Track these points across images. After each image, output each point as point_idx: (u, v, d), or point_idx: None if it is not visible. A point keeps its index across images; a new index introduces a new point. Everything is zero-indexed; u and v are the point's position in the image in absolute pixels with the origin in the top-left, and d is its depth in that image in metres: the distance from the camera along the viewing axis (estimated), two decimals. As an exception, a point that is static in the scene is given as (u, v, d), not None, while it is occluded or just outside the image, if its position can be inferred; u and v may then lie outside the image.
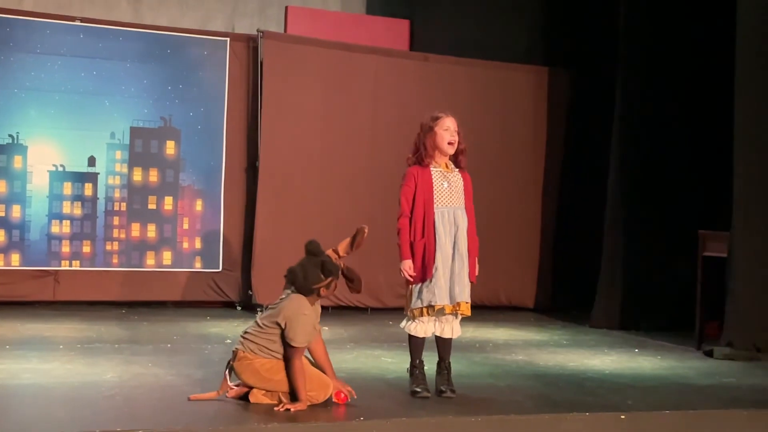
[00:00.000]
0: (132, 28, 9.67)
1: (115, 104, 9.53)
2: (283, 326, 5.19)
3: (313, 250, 5.29)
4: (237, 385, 5.30)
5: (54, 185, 9.32)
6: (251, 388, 5.26)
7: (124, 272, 9.55)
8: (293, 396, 5.17)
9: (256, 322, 5.33)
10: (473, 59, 10.66)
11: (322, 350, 5.43)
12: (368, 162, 10.19)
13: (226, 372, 5.33)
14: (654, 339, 8.63)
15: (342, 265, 5.34)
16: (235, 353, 5.28)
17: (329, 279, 5.21)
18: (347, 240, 5.48)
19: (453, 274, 5.55)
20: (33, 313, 8.83)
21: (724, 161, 8.33)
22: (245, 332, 5.32)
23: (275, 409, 5.06)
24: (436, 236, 5.55)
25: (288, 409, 5.04)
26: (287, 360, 5.18)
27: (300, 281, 5.21)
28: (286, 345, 5.18)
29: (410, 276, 5.54)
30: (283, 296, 5.32)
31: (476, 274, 5.70)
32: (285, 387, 5.19)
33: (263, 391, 5.24)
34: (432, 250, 5.54)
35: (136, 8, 10.15)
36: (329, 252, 5.38)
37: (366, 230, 5.44)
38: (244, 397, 5.27)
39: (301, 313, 5.18)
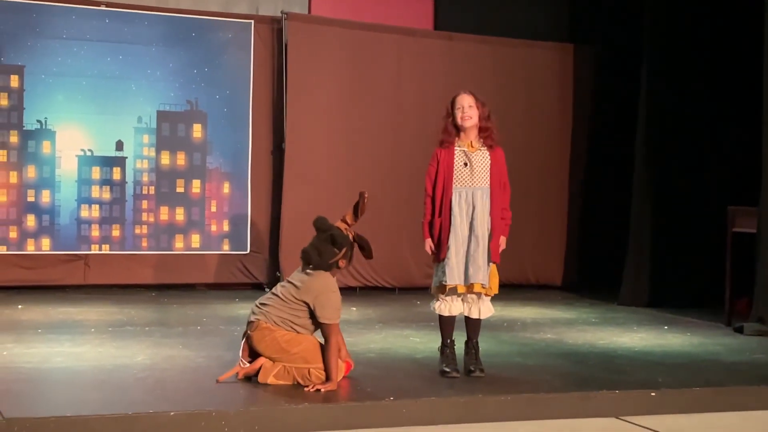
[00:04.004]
0: (156, 12, 9.69)
1: (142, 88, 9.57)
2: (312, 306, 5.20)
3: (320, 226, 5.35)
4: (250, 361, 5.30)
5: (82, 170, 9.38)
6: (263, 357, 5.22)
7: (153, 255, 9.61)
8: (311, 375, 5.17)
9: (274, 293, 5.32)
10: (498, 37, 10.60)
11: None
12: (393, 141, 10.18)
13: (243, 342, 5.34)
14: (683, 316, 8.59)
15: (352, 234, 5.39)
16: (254, 324, 5.26)
17: (343, 250, 5.28)
18: (351, 208, 5.49)
19: (467, 255, 5.57)
20: (64, 297, 8.92)
21: (753, 135, 8.26)
22: (263, 303, 5.32)
23: (305, 390, 5.08)
24: (452, 216, 5.60)
25: (318, 390, 5.07)
26: (325, 339, 5.21)
27: (316, 259, 5.26)
28: (320, 324, 5.21)
29: (432, 253, 5.65)
30: (303, 273, 5.31)
31: (502, 249, 5.70)
32: (299, 362, 5.20)
33: (274, 371, 5.22)
34: (446, 229, 5.60)
35: (160, -8, 10.15)
36: (338, 223, 5.41)
37: (366, 195, 5.47)
38: (253, 379, 5.25)
39: (330, 291, 5.23)
